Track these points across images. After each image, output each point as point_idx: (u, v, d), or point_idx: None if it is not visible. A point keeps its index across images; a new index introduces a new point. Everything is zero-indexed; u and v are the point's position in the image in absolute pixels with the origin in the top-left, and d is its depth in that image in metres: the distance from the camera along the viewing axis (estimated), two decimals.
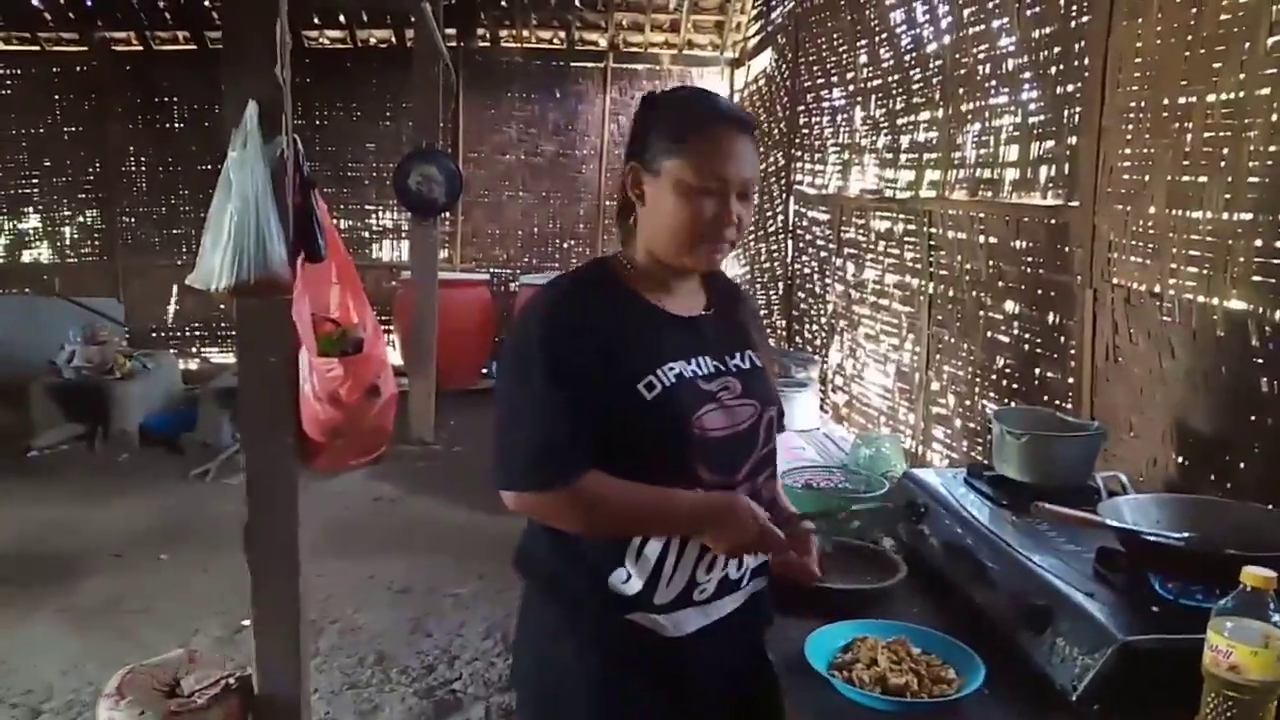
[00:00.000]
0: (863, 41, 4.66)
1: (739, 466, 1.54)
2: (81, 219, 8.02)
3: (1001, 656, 1.58)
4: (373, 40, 7.99)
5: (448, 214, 7.76)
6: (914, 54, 4.02)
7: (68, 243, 8.04)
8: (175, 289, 7.93)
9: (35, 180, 7.88)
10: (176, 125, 7.84)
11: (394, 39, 7.87)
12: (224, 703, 2.59)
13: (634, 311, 1.52)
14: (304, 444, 2.42)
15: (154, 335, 7.93)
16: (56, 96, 7.79)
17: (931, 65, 3.83)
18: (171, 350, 7.68)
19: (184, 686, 2.63)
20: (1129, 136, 2.45)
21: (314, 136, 7.95)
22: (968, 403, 3.47)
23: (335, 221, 8.09)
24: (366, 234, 8.31)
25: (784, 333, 6.00)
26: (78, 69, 7.78)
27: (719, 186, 1.44)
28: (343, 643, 3.75)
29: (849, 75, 4.88)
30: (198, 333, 8.07)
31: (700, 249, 1.47)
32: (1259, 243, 2.00)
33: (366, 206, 8.23)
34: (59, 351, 6.36)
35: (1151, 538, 1.57)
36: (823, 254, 5.29)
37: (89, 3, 7.38)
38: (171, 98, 7.81)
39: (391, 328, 8.11)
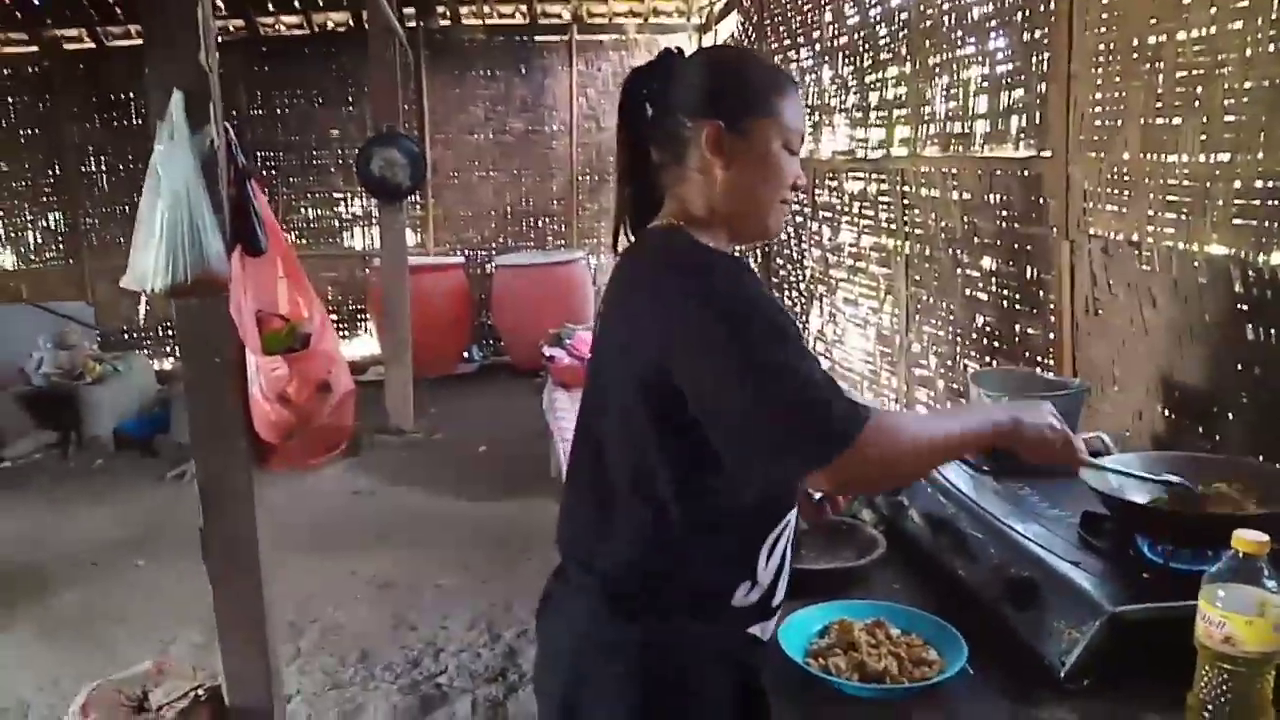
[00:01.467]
0: None
1: None
2: (44, 223, 7.86)
3: (986, 633, 1.51)
4: (330, 24, 7.81)
5: (417, 197, 7.64)
6: (879, 8, 3.92)
7: (32, 248, 7.88)
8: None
9: None
10: (135, 122, 7.63)
11: (351, 22, 7.69)
12: (193, 715, 2.51)
13: None
14: (257, 446, 2.33)
15: (125, 337, 7.80)
16: (9, 99, 7.61)
17: (897, 19, 3.73)
18: (144, 351, 7.56)
19: (152, 700, 2.55)
20: (1099, 80, 2.36)
21: (275, 125, 7.83)
22: (949, 363, 3.40)
23: (304, 211, 8.02)
24: (336, 222, 8.17)
25: None
26: (29, 69, 7.60)
27: (799, 147, 1.41)
28: (324, 642, 3.67)
29: (815, 34, 4.77)
30: (170, 332, 7.93)
31: (781, 210, 1.42)
32: (1238, 184, 1.92)
33: (334, 195, 8.08)
34: (28, 359, 6.24)
35: (1139, 500, 1.49)
36: (799, 219, 5.19)
37: (37, 1, 7.17)
38: (128, 94, 7.61)
39: (367, 317, 8.01)
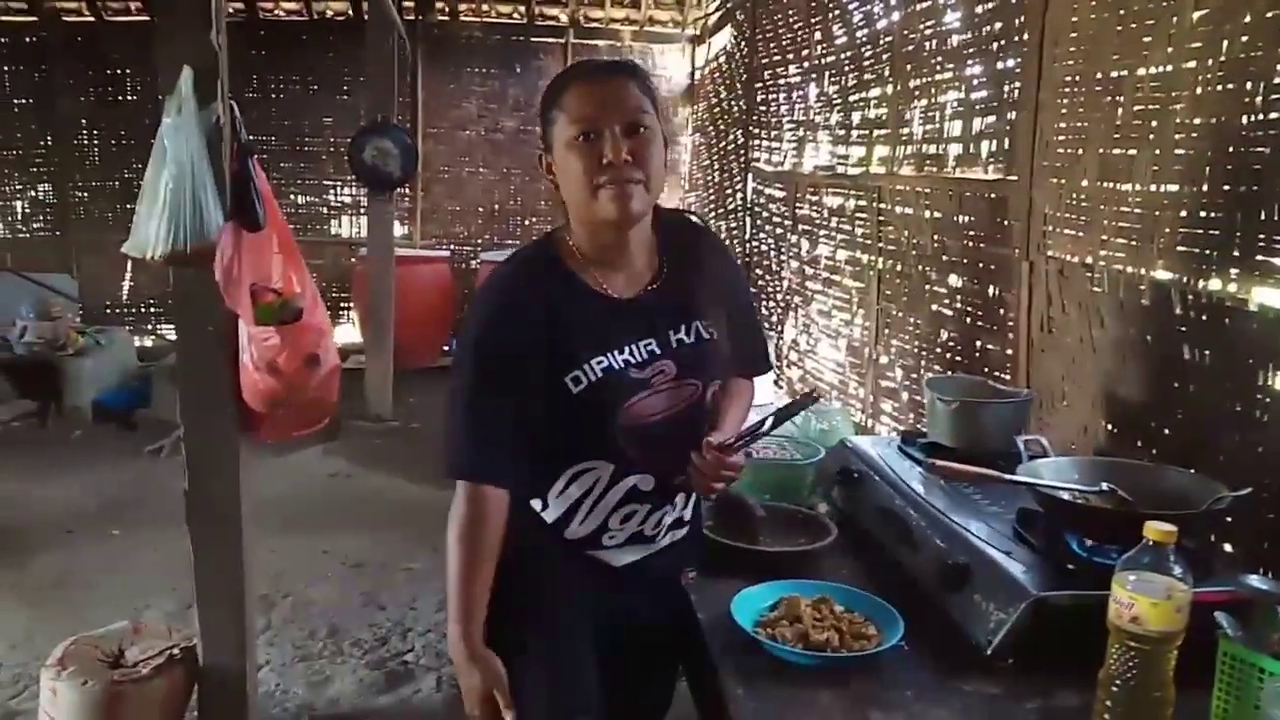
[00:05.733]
0: (817, 18, 4.68)
1: (672, 445, 1.59)
2: (33, 193, 7.86)
3: (923, 614, 1.63)
4: (329, 12, 7.89)
5: (406, 189, 7.71)
6: (865, 30, 4.05)
7: (19, 218, 7.88)
8: (130, 265, 7.80)
9: None
10: (129, 97, 7.68)
11: (351, 11, 7.77)
12: (168, 673, 2.58)
13: (572, 298, 1.54)
14: (245, 414, 2.41)
15: (109, 311, 7.81)
16: (5, 68, 7.62)
17: (881, 41, 3.86)
18: (126, 327, 7.57)
19: (128, 657, 2.62)
20: (1064, 110, 2.49)
21: (269, 110, 7.85)
22: (914, 376, 3.52)
23: (293, 196, 8.07)
24: (325, 209, 8.22)
25: None
26: (27, 40, 7.61)
27: (594, 128, 1.47)
28: (295, 616, 3.75)
29: (804, 52, 4.90)
30: (153, 309, 7.96)
31: (602, 196, 1.47)
32: (1184, 214, 2.05)
33: (324, 182, 8.14)
34: (10, 328, 6.27)
35: (1065, 496, 1.61)
36: (779, 231, 5.32)
37: None
38: (124, 70, 7.66)
39: (351, 305, 8.07)
